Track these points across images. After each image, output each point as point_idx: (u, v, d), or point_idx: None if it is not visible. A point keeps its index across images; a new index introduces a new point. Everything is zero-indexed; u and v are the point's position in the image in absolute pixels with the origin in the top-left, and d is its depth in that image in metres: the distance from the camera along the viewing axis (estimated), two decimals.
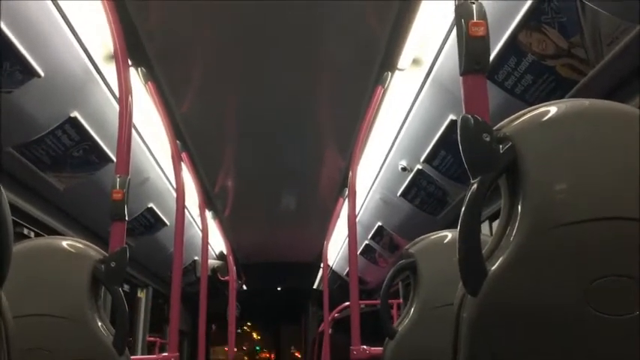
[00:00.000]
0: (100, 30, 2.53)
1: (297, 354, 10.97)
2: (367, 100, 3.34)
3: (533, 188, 1.05)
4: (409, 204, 4.33)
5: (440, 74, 3.02)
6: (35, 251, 1.78)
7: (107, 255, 1.78)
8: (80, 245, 1.80)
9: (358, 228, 3.67)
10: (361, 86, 3.33)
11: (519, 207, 1.06)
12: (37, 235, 3.41)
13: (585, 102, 1.16)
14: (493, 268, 1.04)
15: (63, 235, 3.64)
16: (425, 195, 4.06)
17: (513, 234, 1.05)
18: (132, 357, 1.81)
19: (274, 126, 4.02)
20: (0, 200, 0.90)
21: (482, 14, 1.33)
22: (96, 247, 1.79)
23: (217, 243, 6.68)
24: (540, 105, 1.15)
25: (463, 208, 1.07)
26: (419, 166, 3.81)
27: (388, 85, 3.19)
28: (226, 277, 6.41)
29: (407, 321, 1.91)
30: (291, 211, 6.16)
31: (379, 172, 4.48)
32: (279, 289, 9.90)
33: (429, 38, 2.86)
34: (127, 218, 2.04)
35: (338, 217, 5.27)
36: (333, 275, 7.68)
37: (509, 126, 1.11)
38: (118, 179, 2.07)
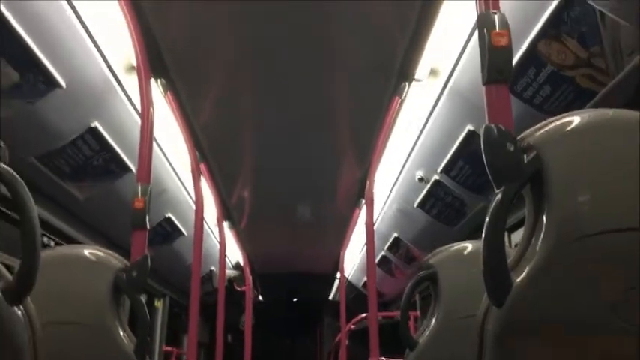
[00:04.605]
0: (121, 41, 2.56)
1: None
2: (384, 111, 3.34)
3: (558, 198, 1.04)
4: (426, 215, 4.31)
5: (458, 84, 3.02)
6: (58, 259, 1.79)
7: (128, 264, 1.78)
8: (102, 254, 1.81)
9: (375, 239, 3.66)
10: (378, 97, 3.34)
11: (544, 217, 1.05)
12: (57, 244, 3.43)
13: (609, 112, 1.15)
14: (518, 279, 1.03)
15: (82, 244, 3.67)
16: (442, 206, 4.04)
17: (538, 244, 1.04)
18: None
19: (291, 137, 4.03)
20: (31, 211, 0.91)
21: (504, 24, 1.33)
22: (117, 256, 1.80)
23: (233, 253, 6.69)
24: (564, 115, 1.14)
25: (487, 218, 1.06)
26: (436, 177, 3.80)
27: (405, 96, 3.19)
28: (243, 287, 6.41)
29: (428, 332, 1.89)
30: (307, 221, 6.15)
31: (396, 182, 4.46)
32: (295, 299, 9.88)
33: (447, 48, 2.86)
34: (148, 227, 2.04)
35: (354, 227, 5.26)
36: (349, 286, 7.65)
37: (534, 135, 1.10)
38: (139, 187, 2.06)
